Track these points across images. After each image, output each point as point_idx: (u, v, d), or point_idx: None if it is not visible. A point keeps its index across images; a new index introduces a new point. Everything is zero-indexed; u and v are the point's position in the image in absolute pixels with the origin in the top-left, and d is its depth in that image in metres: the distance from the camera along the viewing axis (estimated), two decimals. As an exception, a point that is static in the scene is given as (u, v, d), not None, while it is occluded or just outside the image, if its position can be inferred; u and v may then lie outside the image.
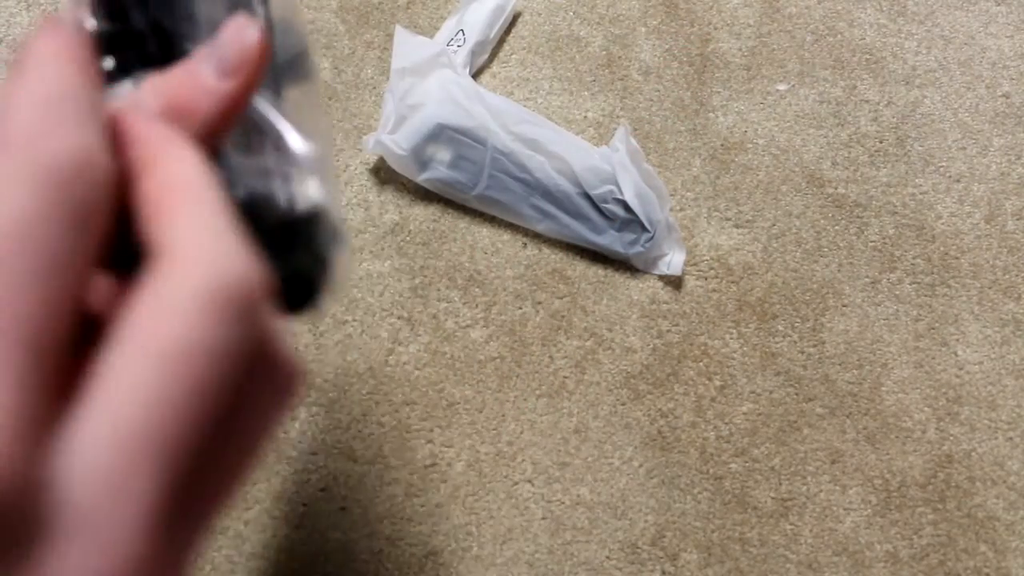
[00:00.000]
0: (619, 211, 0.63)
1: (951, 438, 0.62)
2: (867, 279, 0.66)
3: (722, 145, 0.69)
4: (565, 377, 0.61)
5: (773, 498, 0.60)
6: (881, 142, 0.71)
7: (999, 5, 0.77)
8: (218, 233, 0.14)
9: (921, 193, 0.69)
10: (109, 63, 0.22)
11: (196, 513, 0.14)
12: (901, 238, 0.68)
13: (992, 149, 0.71)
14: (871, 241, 0.67)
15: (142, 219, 0.15)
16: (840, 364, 0.63)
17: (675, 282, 0.65)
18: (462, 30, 0.68)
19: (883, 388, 0.63)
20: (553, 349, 0.62)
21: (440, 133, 0.63)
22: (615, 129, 0.68)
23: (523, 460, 0.59)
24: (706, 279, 0.65)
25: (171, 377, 0.13)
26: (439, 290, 0.63)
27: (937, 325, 0.65)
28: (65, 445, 0.12)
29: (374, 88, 0.68)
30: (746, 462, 0.60)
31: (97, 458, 0.12)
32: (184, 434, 0.13)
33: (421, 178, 0.63)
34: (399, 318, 0.62)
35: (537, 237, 0.65)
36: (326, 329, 0.60)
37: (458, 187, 0.64)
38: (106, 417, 0.12)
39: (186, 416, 0.13)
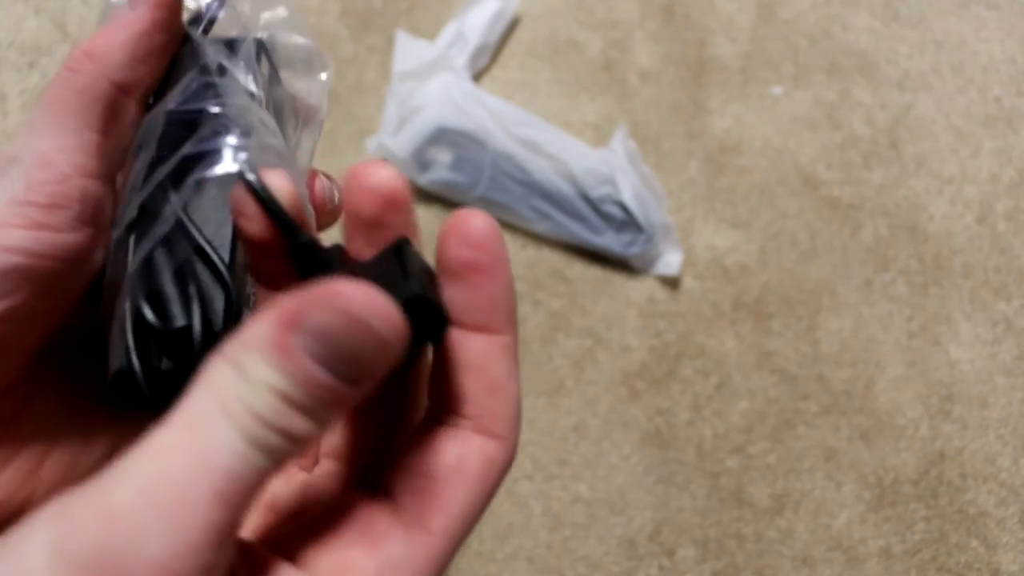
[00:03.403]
0: (617, 212, 0.64)
1: (943, 435, 0.63)
2: (861, 279, 0.67)
3: (718, 147, 0.70)
4: (564, 376, 0.62)
5: (768, 494, 0.61)
6: (875, 144, 0.72)
7: (990, 10, 0.78)
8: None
9: (914, 195, 0.70)
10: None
11: None
12: (894, 239, 0.69)
13: (983, 151, 0.73)
14: (865, 242, 0.68)
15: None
16: (834, 363, 0.64)
17: (672, 282, 0.66)
18: (463, 34, 0.69)
19: (877, 386, 0.64)
20: (552, 348, 0.63)
21: (441, 135, 0.64)
22: (613, 132, 0.69)
23: (523, 457, 0.60)
24: (703, 279, 0.66)
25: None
26: (440, 290, 0.64)
27: (929, 324, 0.66)
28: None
29: (376, 91, 0.69)
30: (742, 459, 0.61)
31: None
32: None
33: (422, 180, 0.64)
34: (401, 318, 0.63)
35: (537, 238, 0.66)
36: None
37: (459, 188, 0.65)
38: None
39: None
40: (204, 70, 0.21)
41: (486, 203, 0.65)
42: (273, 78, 0.24)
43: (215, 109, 0.21)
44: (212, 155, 0.20)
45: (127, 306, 0.20)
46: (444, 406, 0.19)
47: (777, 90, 0.73)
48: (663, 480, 0.60)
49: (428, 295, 0.18)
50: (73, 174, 0.19)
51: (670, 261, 0.65)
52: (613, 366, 0.63)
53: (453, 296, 0.19)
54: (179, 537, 0.14)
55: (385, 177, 0.19)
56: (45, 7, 0.68)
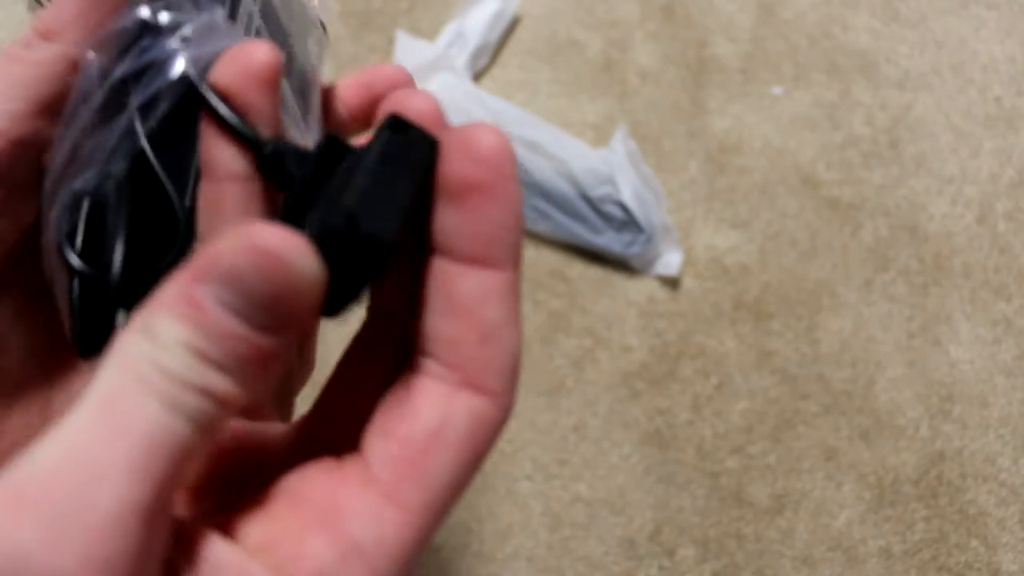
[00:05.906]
0: (617, 212, 0.64)
1: (943, 435, 0.63)
2: (861, 279, 0.67)
3: (718, 147, 0.70)
4: (564, 376, 0.62)
5: (768, 494, 0.61)
6: (875, 144, 0.72)
7: (990, 10, 0.78)
8: None
9: (914, 195, 0.70)
10: None
11: None
12: (894, 239, 0.69)
13: (984, 151, 0.73)
14: (865, 242, 0.68)
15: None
16: (834, 363, 0.65)
17: (672, 282, 0.66)
18: (463, 34, 0.69)
19: (876, 386, 0.64)
20: (552, 348, 0.63)
21: (441, 136, 0.64)
22: (613, 132, 0.69)
23: (523, 457, 0.60)
24: (703, 279, 0.66)
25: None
26: (440, 290, 0.64)
27: (929, 324, 0.66)
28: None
29: (376, 91, 0.69)
30: (742, 459, 0.61)
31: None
32: None
33: (422, 180, 0.64)
34: (401, 318, 0.63)
35: (537, 238, 0.66)
36: (328, 329, 0.61)
37: (459, 189, 0.65)
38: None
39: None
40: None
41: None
42: None
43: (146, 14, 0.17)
44: (157, 65, 0.17)
45: (59, 255, 0.17)
46: (425, 350, 0.16)
47: (777, 90, 0.73)
48: (663, 480, 0.60)
49: (357, 218, 0.14)
50: None
51: (670, 261, 0.65)
52: (613, 366, 0.63)
53: (449, 221, 0.16)
54: (93, 519, 0.12)
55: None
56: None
